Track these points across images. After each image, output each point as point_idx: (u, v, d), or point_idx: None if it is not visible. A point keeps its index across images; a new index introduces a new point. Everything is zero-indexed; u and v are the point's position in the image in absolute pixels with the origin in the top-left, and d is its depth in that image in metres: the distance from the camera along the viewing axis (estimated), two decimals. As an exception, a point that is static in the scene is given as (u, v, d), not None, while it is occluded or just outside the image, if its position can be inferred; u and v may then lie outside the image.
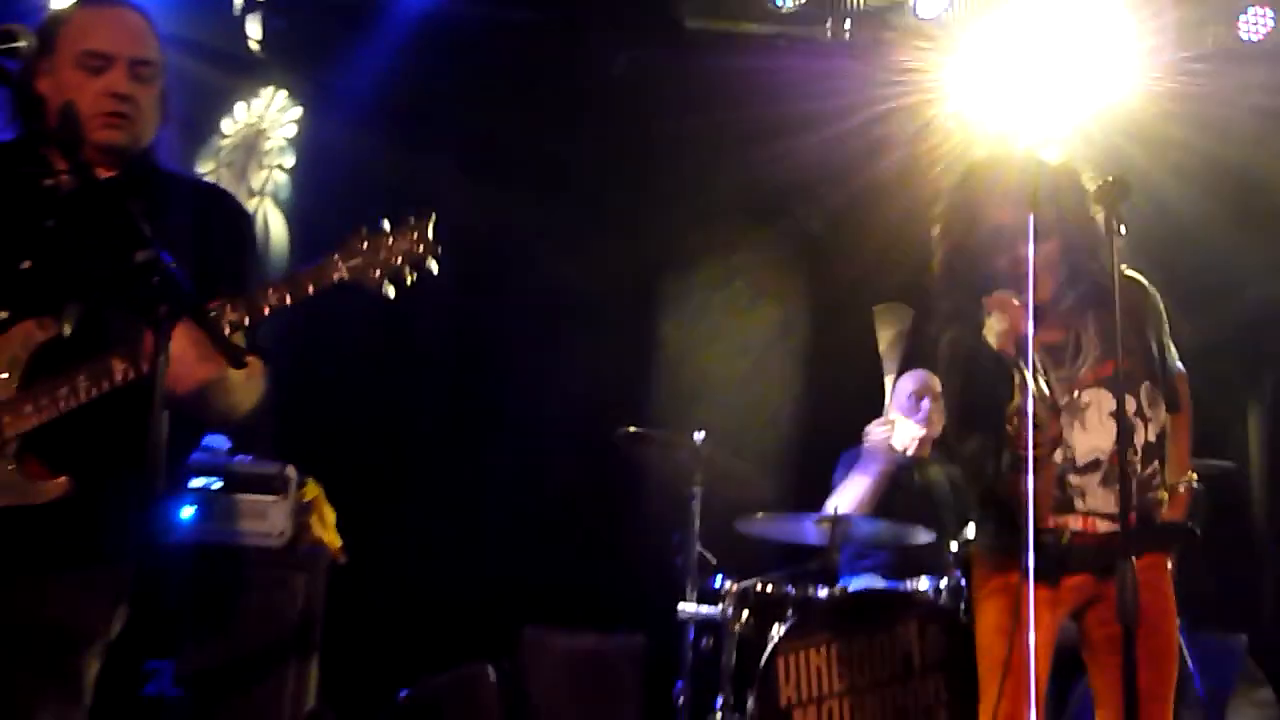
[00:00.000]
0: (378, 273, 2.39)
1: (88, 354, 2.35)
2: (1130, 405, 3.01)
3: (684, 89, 6.25)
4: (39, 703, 2.35)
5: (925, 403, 5.23)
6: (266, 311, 2.38)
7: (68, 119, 2.44)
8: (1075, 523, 3.08)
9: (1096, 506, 3.07)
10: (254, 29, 6.02)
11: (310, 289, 2.39)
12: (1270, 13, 5.78)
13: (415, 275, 2.43)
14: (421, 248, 2.42)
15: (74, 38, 2.52)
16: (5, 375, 2.34)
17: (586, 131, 6.38)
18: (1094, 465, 3.06)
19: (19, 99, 2.49)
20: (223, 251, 2.65)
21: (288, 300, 2.38)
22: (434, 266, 2.43)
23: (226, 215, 2.77)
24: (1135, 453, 3.03)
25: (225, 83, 6.25)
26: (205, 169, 6.14)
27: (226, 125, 6.35)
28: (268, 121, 6.29)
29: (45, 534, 2.34)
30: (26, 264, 2.46)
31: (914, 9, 5.74)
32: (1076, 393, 3.09)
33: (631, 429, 5.01)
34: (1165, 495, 3.15)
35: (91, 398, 2.33)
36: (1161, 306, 3.25)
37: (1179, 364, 3.30)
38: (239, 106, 6.38)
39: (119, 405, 2.32)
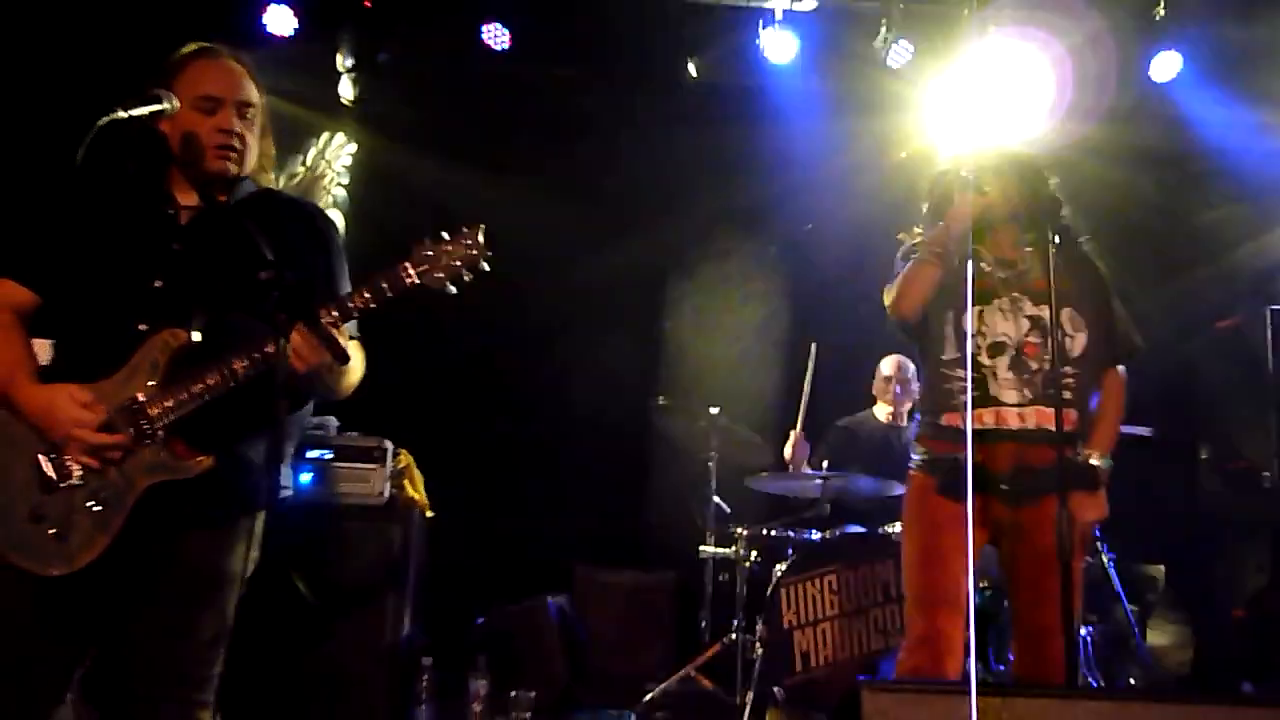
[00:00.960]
0: (441, 275, 2.33)
1: (215, 355, 2.35)
2: (1047, 315, 2.94)
3: (693, 128, 6.30)
4: (198, 626, 2.41)
5: (895, 386, 5.26)
6: (354, 312, 2.37)
7: (189, 146, 2.46)
8: (990, 418, 2.96)
9: (1006, 395, 2.97)
10: (347, 89, 6.06)
11: (388, 293, 2.35)
12: (1180, 56, 5.77)
13: (471, 276, 2.37)
14: (475, 252, 2.35)
15: (190, 84, 2.48)
16: (150, 380, 2.36)
17: (617, 163, 6.45)
18: (1001, 348, 2.99)
19: (144, 141, 2.49)
20: (315, 258, 2.62)
21: (370, 303, 2.35)
22: (486, 267, 2.36)
23: (316, 228, 2.70)
24: (1041, 355, 2.98)
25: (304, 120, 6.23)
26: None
27: (295, 160, 6.28)
28: (329, 154, 6.30)
29: (195, 500, 2.37)
30: (158, 283, 2.44)
31: (884, 61, 5.77)
32: (1015, 293, 3.04)
33: (662, 400, 5.05)
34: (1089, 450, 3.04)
35: (220, 391, 2.35)
36: (1107, 280, 3.19)
37: (1135, 339, 3.21)
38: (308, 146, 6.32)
39: (244, 395, 2.35)
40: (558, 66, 6.22)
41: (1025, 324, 3.02)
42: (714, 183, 6.26)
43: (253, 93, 2.57)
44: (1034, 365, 2.98)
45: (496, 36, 5.83)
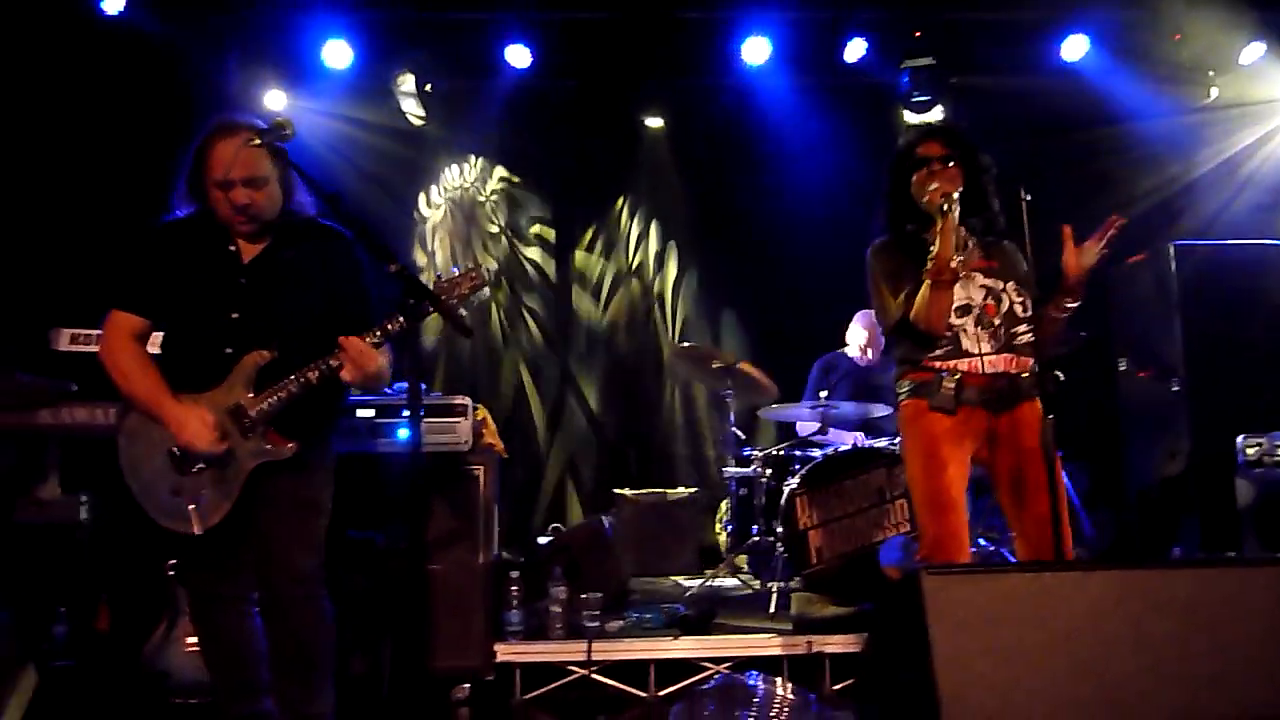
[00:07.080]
0: (455, 302, 2.49)
1: (289, 367, 2.60)
2: (998, 285, 2.95)
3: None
4: (297, 545, 2.67)
5: (867, 336, 5.27)
6: (391, 334, 2.55)
7: (223, 216, 2.63)
8: (963, 365, 2.90)
9: (974, 348, 2.90)
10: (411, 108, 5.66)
11: (414, 320, 2.49)
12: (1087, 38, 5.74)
13: (479, 299, 2.57)
14: (479, 280, 2.54)
15: (209, 168, 2.58)
16: (248, 390, 2.61)
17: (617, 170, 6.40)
18: (966, 309, 2.92)
19: (192, 187, 2.63)
20: (344, 276, 2.73)
21: (403, 327, 2.52)
22: (488, 293, 2.54)
23: (342, 248, 2.75)
24: (999, 314, 2.92)
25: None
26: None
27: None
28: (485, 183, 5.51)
29: (287, 466, 2.65)
30: (235, 315, 2.64)
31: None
32: (963, 271, 2.94)
33: (686, 345, 5.00)
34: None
35: (299, 394, 2.60)
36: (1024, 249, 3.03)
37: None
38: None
39: (310, 392, 2.62)
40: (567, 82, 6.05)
41: (981, 291, 2.96)
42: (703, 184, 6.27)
43: (257, 166, 2.56)
44: (996, 321, 2.93)
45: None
